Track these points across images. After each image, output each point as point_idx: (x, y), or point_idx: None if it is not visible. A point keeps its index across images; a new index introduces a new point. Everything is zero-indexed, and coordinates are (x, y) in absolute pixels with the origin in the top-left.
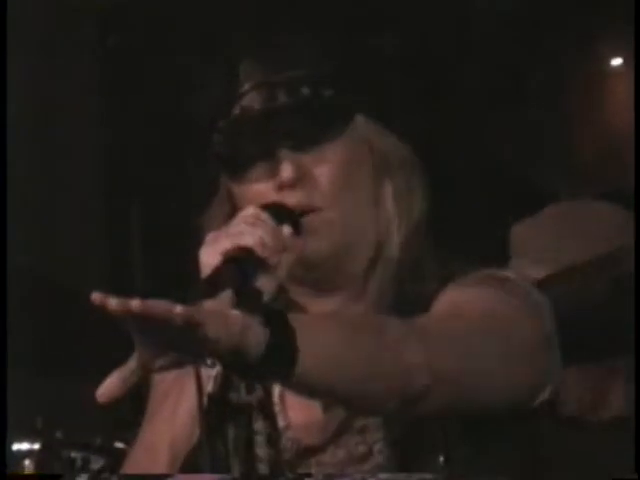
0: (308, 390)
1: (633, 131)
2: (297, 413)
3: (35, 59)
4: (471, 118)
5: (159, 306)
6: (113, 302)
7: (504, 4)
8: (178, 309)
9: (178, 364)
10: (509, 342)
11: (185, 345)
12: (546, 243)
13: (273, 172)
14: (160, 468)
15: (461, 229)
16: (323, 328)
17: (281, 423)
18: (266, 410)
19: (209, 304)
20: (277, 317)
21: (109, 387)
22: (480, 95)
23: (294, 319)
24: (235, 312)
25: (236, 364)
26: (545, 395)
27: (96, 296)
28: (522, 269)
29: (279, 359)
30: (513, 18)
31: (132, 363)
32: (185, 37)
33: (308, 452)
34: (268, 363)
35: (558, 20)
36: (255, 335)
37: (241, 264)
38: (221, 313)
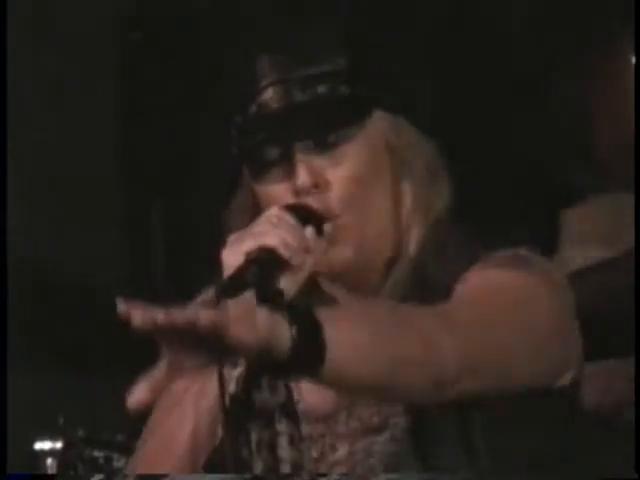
0: (337, 384)
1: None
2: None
3: (55, 53)
4: (495, 112)
5: (184, 316)
6: (137, 317)
7: (523, 4)
8: (203, 317)
9: (206, 364)
10: (532, 323)
11: (212, 348)
12: (595, 228)
13: (290, 175)
14: (178, 463)
15: (485, 214)
16: (350, 322)
17: (295, 395)
18: (289, 411)
19: (233, 304)
20: (304, 313)
21: (140, 394)
22: (503, 91)
23: (321, 314)
24: (261, 311)
25: (264, 363)
26: (566, 379)
27: (122, 307)
28: (571, 251)
29: (307, 356)
30: (533, 17)
31: (161, 368)
32: (203, 32)
33: (320, 420)
34: (296, 360)
35: (578, 19)
36: (282, 333)
37: (264, 264)
38: (247, 314)
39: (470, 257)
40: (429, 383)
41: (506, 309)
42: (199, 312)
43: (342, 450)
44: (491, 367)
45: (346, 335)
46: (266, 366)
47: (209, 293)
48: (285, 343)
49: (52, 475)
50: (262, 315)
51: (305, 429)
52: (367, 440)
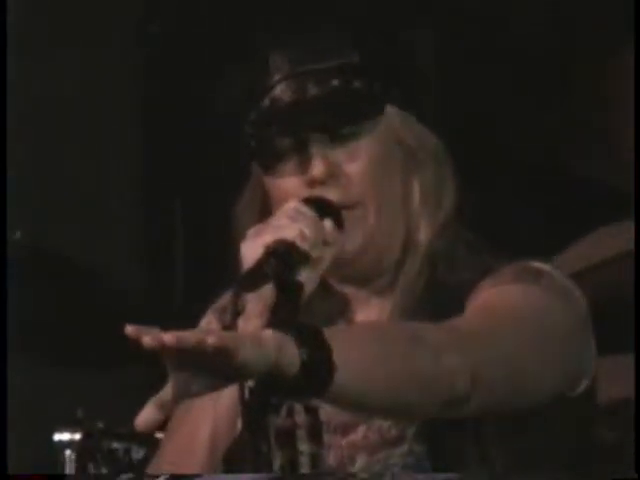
0: (346, 405)
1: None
2: None
3: (72, 48)
4: (508, 111)
5: (192, 337)
6: (146, 338)
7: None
8: (210, 339)
9: (213, 388)
10: (546, 338)
11: (220, 370)
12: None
13: (304, 167)
14: (199, 461)
15: (499, 220)
16: (359, 341)
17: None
18: (308, 405)
19: (242, 324)
20: (312, 334)
21: (147, 416)
22: (519, 89)
23: (329, 334)
24: (269, 332)
25: (272, 384)
26: (581, 387)
27: (130, 330)
28: None
29: (316, 377)
30: (554, 17)
31: (168, 390)
32: (216, 28)
33: (338, 431)
34: (305, 381)
35: (604, 22)
36: (290, 355)
37: (283, 257)
38: (254, 336)
39: (481, 264)
40: (440, 401)
41: (518, 325)
42: (207, 334)
43: (360, 461)
44: (503, 383)
45: (355, 355)
46: (274, 388)
47: (210, 316)
48: (294, 365)
49: (62, 475)
50: (270, 337)
51: (324, 438)
52: (385, 452)
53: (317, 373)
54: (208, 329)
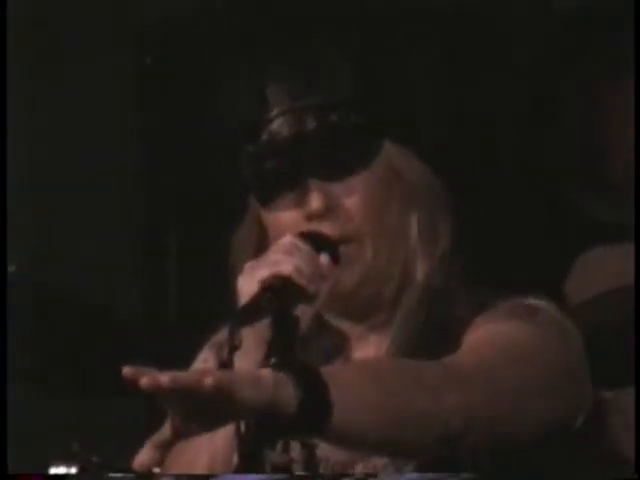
0: (344, 443)
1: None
2: None
3: (70, 76)
4: (506, 143)
5: (188, 378)
6: (144, 380)
7: (538, 29)
8: (208, 380)
9: (211, 427)
10: (542, 375)
11: (217, 410)
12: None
13: (302, 201)
14: None
15: (494, 257)
16: (356, 380)
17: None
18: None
19: (240, 368)
20: (309, 373)
21: (145, 457)
22: (514, 119)
23: (326, 373)
24: (266, 372)
25: (269, 423)
26: (577, 423)
27: (127, 371)
28: None
29: (313, 416)
30: (547, 43)
31: (166, 430)
32: (215, 60)
33: (337, 468)
34: (302, 420)
35: (592, 48)
36: (287, 395)
37: (279, 292)
38: (252, 376)
39: (478, 299)
40: (437, 439)
41: (513, 363)
42: (204, 375)
43: None
44: (500, 421)
45: (352, 394)
46: (271, 427)
47: (206, 352)
48: (291, 404)
49: (62, 475)
50: (267, 376)
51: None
52: None
53: (314, 412)
54: (205, 369)
